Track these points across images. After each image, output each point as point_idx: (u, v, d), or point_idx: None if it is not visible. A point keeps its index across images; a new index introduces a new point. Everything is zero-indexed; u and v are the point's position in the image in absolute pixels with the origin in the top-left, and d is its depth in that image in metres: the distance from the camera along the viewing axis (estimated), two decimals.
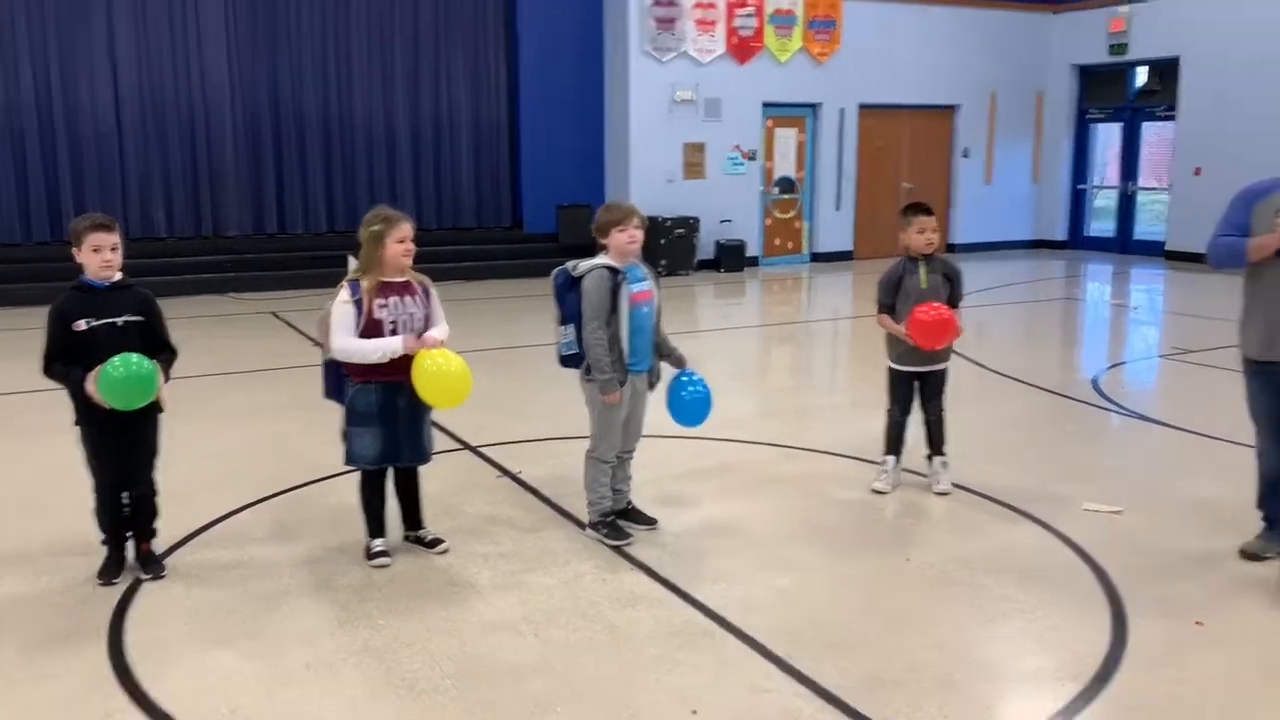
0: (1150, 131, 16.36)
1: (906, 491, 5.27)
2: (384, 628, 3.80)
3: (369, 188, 13.88)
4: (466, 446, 6.02)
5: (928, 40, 15.66)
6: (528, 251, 14.00)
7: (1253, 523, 4.45)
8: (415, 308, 4.25)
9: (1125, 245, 16.47)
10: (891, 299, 5.10)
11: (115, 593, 4.07)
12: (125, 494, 4.20)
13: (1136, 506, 5.02)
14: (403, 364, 4.13)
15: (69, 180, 12.52)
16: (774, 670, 3.49)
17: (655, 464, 5.39)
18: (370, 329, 4.16)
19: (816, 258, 15.64)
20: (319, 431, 5.22)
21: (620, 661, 3.57)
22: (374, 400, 4.23)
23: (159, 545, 4.37)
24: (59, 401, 4.17)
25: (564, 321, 4.47)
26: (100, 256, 3.99)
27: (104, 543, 4.22)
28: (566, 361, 4.54)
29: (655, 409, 4.73)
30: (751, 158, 14.88)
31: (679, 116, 14.29)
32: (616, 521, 4.65)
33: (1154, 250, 15.73)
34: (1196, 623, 3.82)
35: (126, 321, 4.05)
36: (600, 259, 4.42)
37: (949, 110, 16.33)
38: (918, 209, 5.08)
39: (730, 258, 14.48)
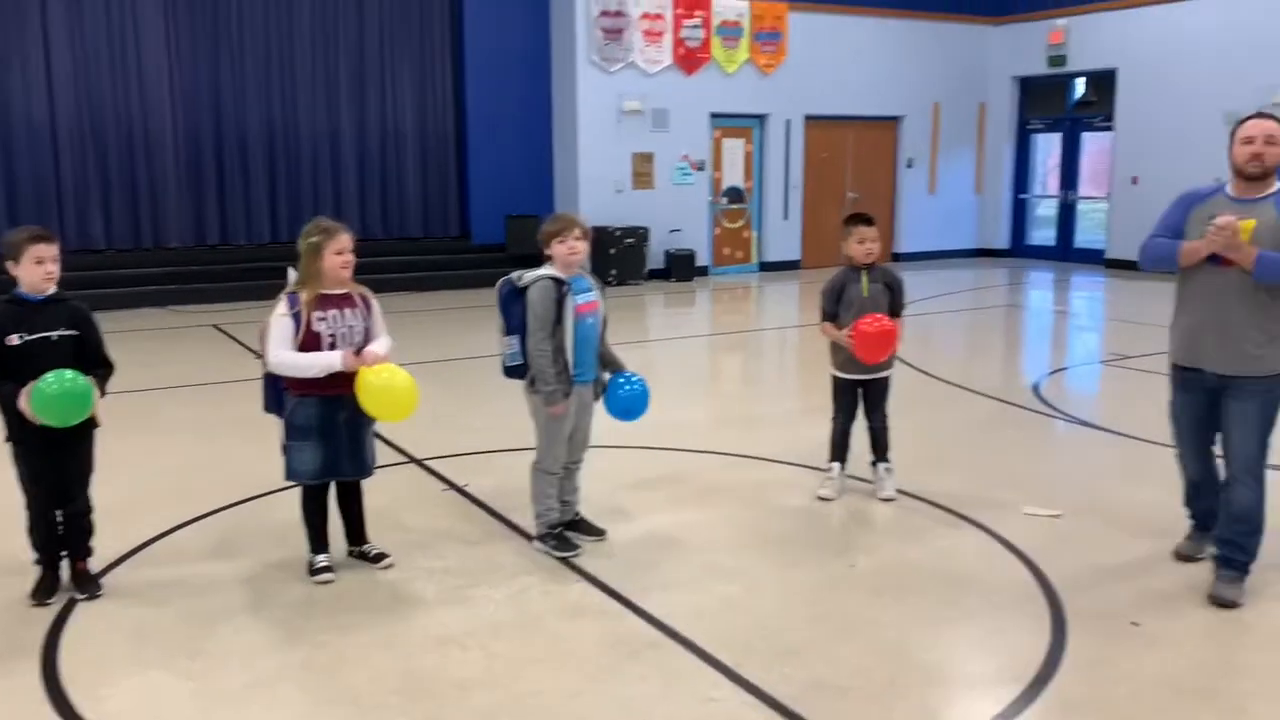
0: (1089, 142, 16.71)
1: (852, 498, 5.32)
2: (327, 644, 3.75)
3: (313, 198, 13.71)
4: (412, 460, 5.97)
5: (872, 52, 15.88)
6: (476, 262, 13.92)
7: (1186, 525, 4.55)
8: (355, 320, 4.21)
9: (1066, 253, 16.81)
10: (834, 307, 5.15)
11: (50, 613, 3.97)
12: (59, 512, 4.11)
13: (1076, 510, 5.11)
14: (342, 377, 4.09)
15: (2, 191, 12.20)
16: (722, 679, 3.50)
17: (604, 474, 5.39)
18: (309, 342, 4.11)
19: (765, 267, 15.76)
20: (261, 446, 5.15)
21: (567, 674, 3.55)
22: (313, 414, 4.17)
23: (96, 564, 4.28)
24: None
25: (509, 332, 4.46)
26: (43, 269, 3.91)
27: (37, 562, 4.13)
28: (511, 373, 4.52)
29: (602, 419, 4.73)
30: (700, 168, 14.97)
31: (627, 127, 14.32)
32: (564, 533, 4.63)
33: (1094, 258, 16.08)
34: (1133, 623, 3.89)
35: (61, 336, 3.96)
36: (545, 269, 4.41)
37: (893, 121, 16.56)
38: (858, 219, 5.14)
39: (680, 267, 14.54)
